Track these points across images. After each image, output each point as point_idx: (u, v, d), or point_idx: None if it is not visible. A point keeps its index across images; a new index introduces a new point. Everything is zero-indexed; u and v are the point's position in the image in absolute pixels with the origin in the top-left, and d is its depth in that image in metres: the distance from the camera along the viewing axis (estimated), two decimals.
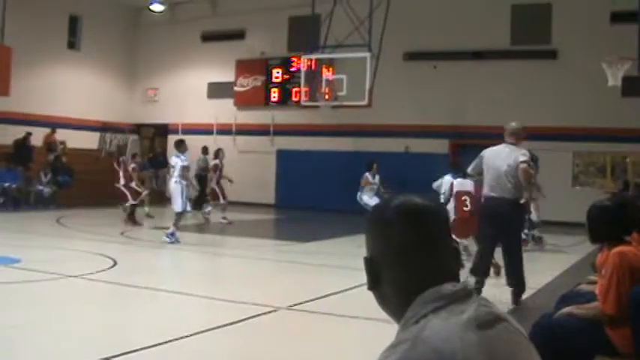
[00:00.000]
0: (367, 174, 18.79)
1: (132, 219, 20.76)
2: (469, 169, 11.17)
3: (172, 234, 16.72)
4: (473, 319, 1.89)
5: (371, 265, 2.08)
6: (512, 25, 26.83)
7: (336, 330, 9.08)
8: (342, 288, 11.21)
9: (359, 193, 18.67)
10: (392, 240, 2.04)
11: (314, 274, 13.59)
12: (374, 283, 2.08)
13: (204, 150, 26.97)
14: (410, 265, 2.02)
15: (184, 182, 17.30)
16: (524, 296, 10.22)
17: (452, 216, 13.19)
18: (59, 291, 10.90)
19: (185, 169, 17.34)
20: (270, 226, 24.11)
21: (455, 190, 13.71)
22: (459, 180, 13.85)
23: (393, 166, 21.99)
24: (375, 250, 2.08)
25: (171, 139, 33.82)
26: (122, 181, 21.68)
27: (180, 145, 17.59)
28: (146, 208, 22.84)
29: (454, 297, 1.96)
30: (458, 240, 12.85)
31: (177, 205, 17.09)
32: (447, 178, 14.72)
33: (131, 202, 20.96)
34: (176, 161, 17.38)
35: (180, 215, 17.06)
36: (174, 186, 17.20)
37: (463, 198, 13.49)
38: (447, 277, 2.02)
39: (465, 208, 13.41)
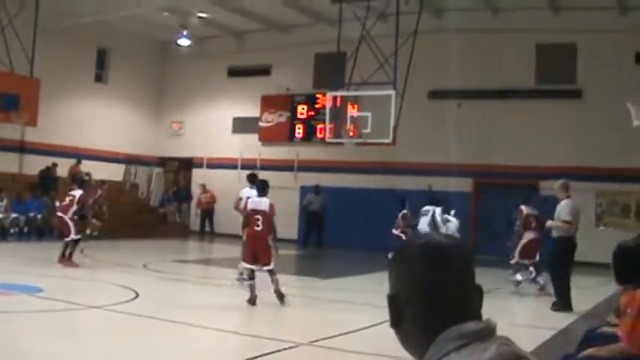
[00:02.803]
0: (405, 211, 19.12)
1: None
2: (567, 216, 14.23)
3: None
4: (495, 358, 1.89)
5: (394, 302, 2.10)
6: (537, 64, 26.96)
7: None
8: (363, 325, 11.12)
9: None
10: (416, 278, 2.06)
11: (336, 311, 13.55)
12: (396, 321, 2.10)
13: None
14: (433, 303, 2.03)
15: None
16: (544, 338, 10.20)
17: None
18: (80, 321, 10.95)
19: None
20: (292, 262, 24.09)
21: (250, 207, 13.70)
22: (255, 199, 13.80)
23: (416, 204, 21.94)
24: (399, 288, 2.10)
25: (196, 172, 34.13)
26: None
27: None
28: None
29: (477, 335, 1.96)
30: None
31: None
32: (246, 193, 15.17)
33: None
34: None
35: None
36: None
37: (256, 217, 13.44)
38: (469, 315, 2.02)
39: (256, 228, 13.39)
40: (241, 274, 15.48)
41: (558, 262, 14.17)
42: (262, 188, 13.91)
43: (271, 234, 13.46)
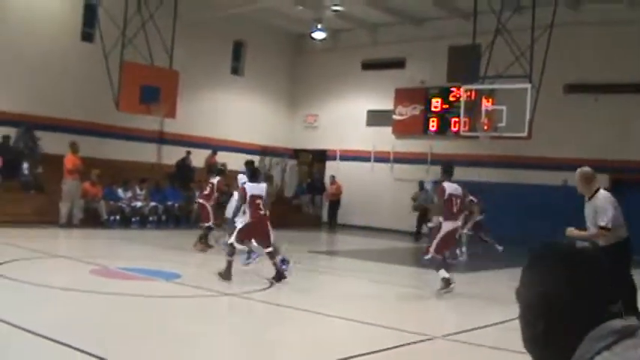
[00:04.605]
0: None
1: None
2: (607, 219, 10.00)
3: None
4: None
5: (538, 306, 2.08)
6: None
7: None
8: (499, 320, 10.88)
9: None
10: (573, 279, 2.04)
11: (470, 305, 13.40)
12: (536, 326, 2.08)
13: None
14: (581, 305, 2.01)
15: None
16: None
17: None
18: (216, 308, 11.20)
19: None
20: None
21: (250, 193, 13.80)
22: (252, 184, 14.02)
23: (549, 199, 21.48)
24: (546, 288, 2.08)
25: (329, 165, 34.37)
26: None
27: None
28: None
29: (626, 332, 1.94)
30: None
31: None
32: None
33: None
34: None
35: None
36: None
37: (257, 201, 13.75)
38: (616, 313, 2.01)
39: (259, 211, 13.79)
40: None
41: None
42: (256, 175, 14.57)
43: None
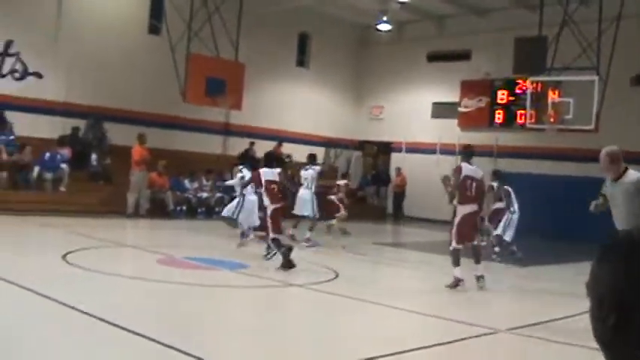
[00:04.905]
0: None
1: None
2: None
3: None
4: None
5: (611, 297, 2.04)
6: None
7: (556, 357, 8.83)
8: (565, 314, 10.78)
9: None
10: None
11: (533, 298, 13.32)
12: (611, 316, 2.03)
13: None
14: None
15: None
16: None
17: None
18: (282, 298, 11.33)
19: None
20: (488, 248, 23.90)
21: (265, 179, 13.95)
22: (267, 170, 14.17)
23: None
24: (617, 281, 2.03)
25: (394, 157, 34.36)
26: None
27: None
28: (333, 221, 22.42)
29: None
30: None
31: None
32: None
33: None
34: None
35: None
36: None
37: (272, 186, 13.94)
38: None
39: (279, 195, 14.08)
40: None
41: None
42: (271, 161, 14.78)
43: None
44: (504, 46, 29.50)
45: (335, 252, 17.91)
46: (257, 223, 15.99)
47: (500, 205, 19.46)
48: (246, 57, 27.91)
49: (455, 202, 13.29)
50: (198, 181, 26.41)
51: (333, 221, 21.71)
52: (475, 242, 13.15)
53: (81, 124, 25.64)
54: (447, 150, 32.48)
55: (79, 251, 13.37)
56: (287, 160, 30.44)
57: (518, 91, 30.32)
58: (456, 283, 12.49)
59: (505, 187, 18.85)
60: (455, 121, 32.74)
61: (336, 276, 13.55)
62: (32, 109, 24.83)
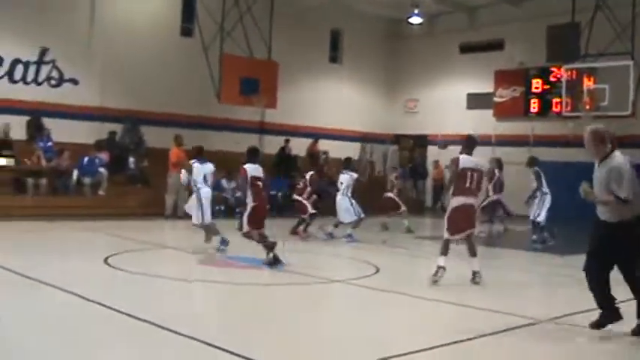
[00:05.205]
0: None
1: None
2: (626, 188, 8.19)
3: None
4: None
5: None
6: None
7: (603, 346, 8.74)
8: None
9: None
10: None
11: (574, 288, 13.19)
12: None
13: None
14: None
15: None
16: None
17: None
18: (326, 294, 11.32)
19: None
20: (527, 238, 23.77)
21: (250, 175, 13.58)
22: (252, 165, 13.73)
23: None
24: None
25: (431, 149, 34.30)
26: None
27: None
28: (405, 222, 22.72)
29: None
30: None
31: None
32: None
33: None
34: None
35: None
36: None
37: (257, 182, 13.63)
38: None
39: (263, 193, 13.86)
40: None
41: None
42: (255, 156, 14.28)
43: None
44: (537, 34, 29.29)
45: (375, 247, 17.88)
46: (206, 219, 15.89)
47: (497, 196, 19.66)
48: (278, 55, 28.04)
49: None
50: (236, 181, 26.50)
51: (405, 222, 21.87)
52: (471, 233, 12.52)
53: (117, 128, 25.91)
54: (483, 141, 32.22)
55: (122, 254, 13.48)
56: (323, 156, 30.56)
57: (552, 79, 30.12)
58: (437, 272, 11.97)
59: (535, 168, 18.73)
60: (490, 112, 32.59)
61: (377, 271, 13.55)
62: (69, 115, 25.13)
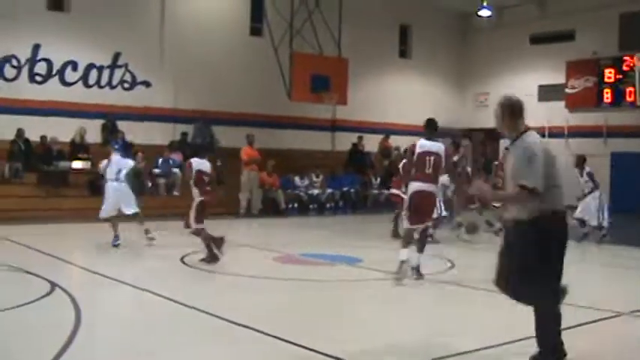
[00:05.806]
0: None
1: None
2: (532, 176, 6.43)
3: None
4: None
5: None
6: None
7: None
8: None
9: None
10: None
11: None
12: None
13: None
14: None
15: None
16: None
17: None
18: (403, 290, 11.31)
19: None
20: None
21: (196, 169, 13.32)
22: (199, 160, 13.50)
23: None
24: None
25: (502, 144, 33.97)
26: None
27: None
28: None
29: None
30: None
31: None
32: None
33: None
34: None
35: None
36: None
37: (205, 177, 13.41)
38: None
39: (208, 188, 13.49)
40: None
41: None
42: (203, 151, 14.51)
43: None
44: (609, 24, 28.94)
45: (449, 242, 17.81)
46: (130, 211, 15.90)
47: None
48: (348, 51, 28.13)
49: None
50: (308, 178, 26.72)
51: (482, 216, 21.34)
52: (427, 226, 12.21)
53: (189, 128, 26.25)
54: (555, 133, 31.98)
55: (198, 253, 13.68)
56: (395, 152, 30.53)
57: (625, 68, 29.56)
58: (400, 268, 11.50)
59: (589, 169, 18.18)
60: (562, 103, 32.17)
61: (452, 266, 13.56)
62: (143, 117, 25.58)
